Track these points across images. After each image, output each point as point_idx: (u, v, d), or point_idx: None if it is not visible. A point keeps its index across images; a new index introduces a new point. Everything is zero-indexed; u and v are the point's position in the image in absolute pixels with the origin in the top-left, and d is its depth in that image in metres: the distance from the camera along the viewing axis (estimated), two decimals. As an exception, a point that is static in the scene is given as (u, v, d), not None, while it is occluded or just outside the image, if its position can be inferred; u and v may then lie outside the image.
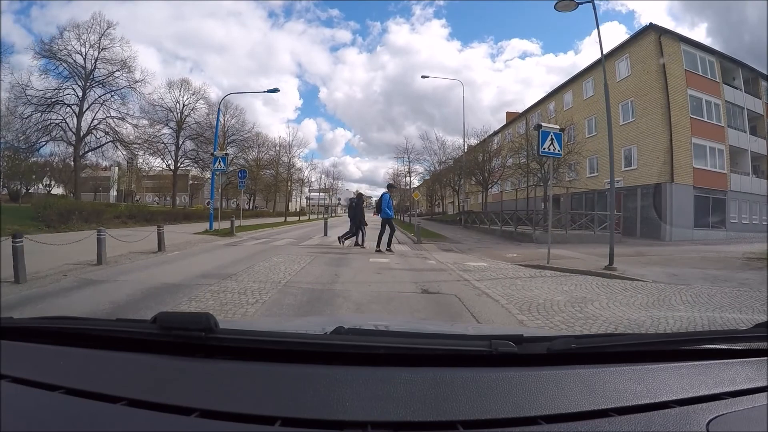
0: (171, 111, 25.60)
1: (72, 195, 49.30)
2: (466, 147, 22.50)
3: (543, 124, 8.41)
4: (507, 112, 37.15)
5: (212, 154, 13.91)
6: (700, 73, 21.82)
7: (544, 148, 8.24)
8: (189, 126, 26.26)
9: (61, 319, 1.03)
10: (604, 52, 10.11)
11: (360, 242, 10.21)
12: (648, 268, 8.29)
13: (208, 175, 34.49)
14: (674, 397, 0.69)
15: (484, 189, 22.83)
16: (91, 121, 19.94)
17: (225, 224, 17.89)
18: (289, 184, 35.68)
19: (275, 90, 14.48)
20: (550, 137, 8.29)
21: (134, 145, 22.03)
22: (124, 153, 21.50)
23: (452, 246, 11.44)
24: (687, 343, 0.92)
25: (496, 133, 30.42)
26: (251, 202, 43.00)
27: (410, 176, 28.46)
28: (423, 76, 22.06)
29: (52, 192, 52.97)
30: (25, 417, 0.63)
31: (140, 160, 27.81)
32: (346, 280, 5.46)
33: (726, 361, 0.85)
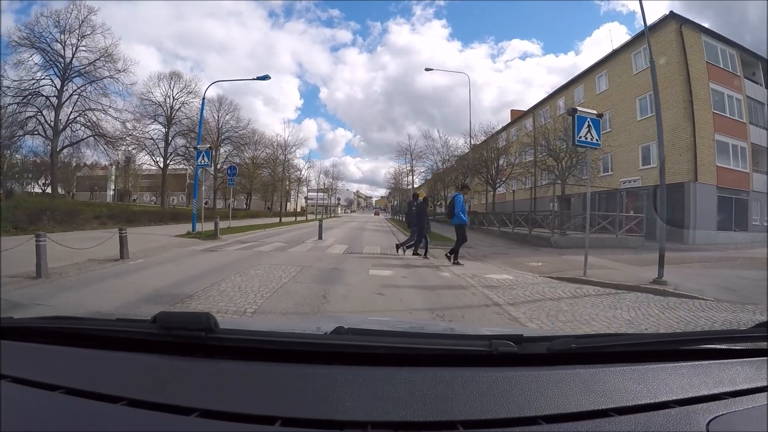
0: (160, 105, 24.11)
1: (70, 194, 48.38)
2: (471, 144, 21.05)
3: (578, 108, 7.02)
4: (511, 110, 35.85)
5: (195, 148, 12.53)
6: (722, 66, 20.57)
7: (581, 137, 6.86)
8: (180, 121, 24.77)
9: (61, 319, 1.02)
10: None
11: (424, 252, 8.72)
12: (695, 279, 7.09)
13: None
14: (674, 397, 0.69)
15: (492, 188, 21.36)
16: (70, 113, 18.46)
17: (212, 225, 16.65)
18: (287, 183, 34.26)
19: (265, 77, 13.09)
20: (587, 124, 6.92)
21: (118, 141, 20.45)
22: (106, 148, 20.01)
23: (464, 251, 10.00)
24: (687, 343, 0.92)
25: (501, 130, 28.98)
26: (248, 202, 41.65)
27: (412, 175, 26.99)
28: (427, 69, 20.68)
29: (48, 191, 52.04)
30: (25, 417, 0.63)
31: (124, 157, 26.41)
32: (336, 308, 4.04)
33: (726, 361, 0.84)
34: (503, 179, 21.67)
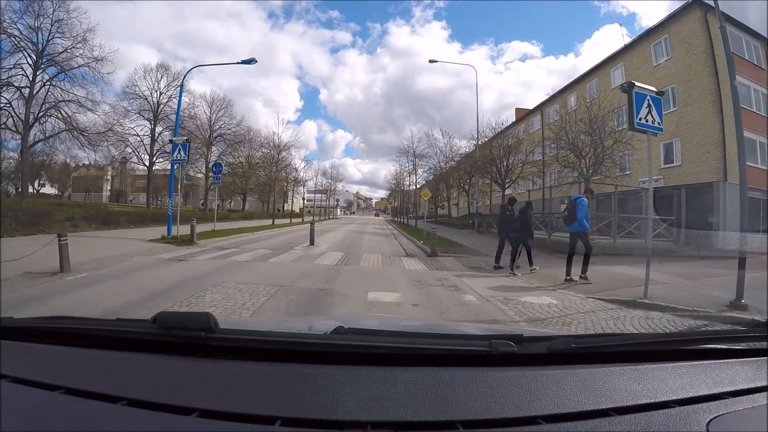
0: (146, 99, 22.56)
1: (64, 194, 46.75)
2: (479, 141, 19.48)
3: (636, 83, 5.51)
4: (516, 109, 34.46)
5: (170, 141, 11.03)
6: (746, 58, 19.18)
7: (640, 119, 5.37)
8: (167, 117, 23.18)
9: (61, 318, 1.01)
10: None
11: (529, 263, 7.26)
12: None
13: (199, 174, 31.67)
14: (674, 397, 0.68)
15: (501, 188, 19.79)
16: (42, 104, 16.74)
17: (201, 228, 15.15)
18: (284, 184, 32.64)
19: (251, 61, 11.56)
20: (646, 103, 5.43)
21: (97, 137, 18.74)
22: (82, 143, 18.32)
23: (480, 261, 8.49)
24: (687, 343, 0.91)
25: (510, 127, 27.37)
26: (243, 203, 40.19)
27: (416, 174, 25.33)
28: (431, 60, 19.24)
29: (43, 192, 50.50)
30: (25, 417, 0.63)
31: (119, 157, 24.89)
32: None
33: (726, 361, 0.84)
34: (513, 179, 20.06)
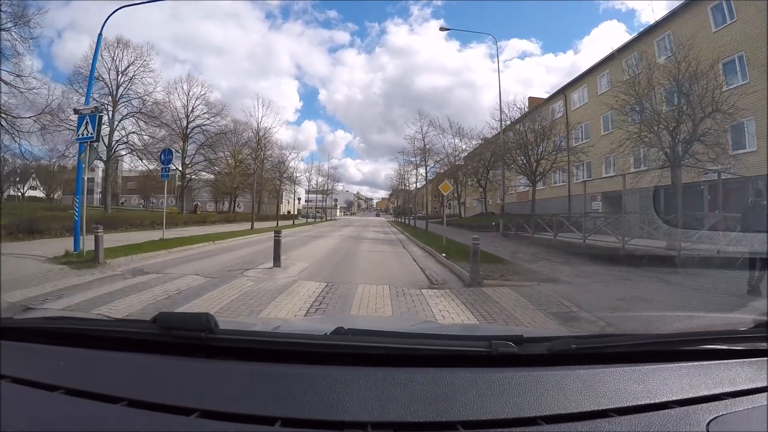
0: (103, 80, 19.08)
1: (51, 197, 43.20)
2: (502, 123, 15.95)
3: None
4: (529, 98, 31.01)
5: (75, 111, 7.62)
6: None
7: None
8: (130, 101, 19.76)
9: (61, 319, 1.00)
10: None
11: None
12: None
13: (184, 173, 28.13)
14: (674, 398, 0.68)
15: (531, 183, 16.25)
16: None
17: (156, 235, 11.77)
18: (277, 183, 29.16)
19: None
20: None
21: (22, 120, 15.24)
22: (10, 130, 14.81)
23: (559, 295, 4.93)
24: (687, 344, 0.90)
25: (523, 117, 23.85)
26: (231, 204, 36.79)
27: (426, 164, 21.61)
28: (442, 28, 15.97)
29: (32, 195, 47.31)
30: (25, 417, 0.63)
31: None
32: None
33: (726, 361, 0.83)
34: (547, 169, 16.44)
